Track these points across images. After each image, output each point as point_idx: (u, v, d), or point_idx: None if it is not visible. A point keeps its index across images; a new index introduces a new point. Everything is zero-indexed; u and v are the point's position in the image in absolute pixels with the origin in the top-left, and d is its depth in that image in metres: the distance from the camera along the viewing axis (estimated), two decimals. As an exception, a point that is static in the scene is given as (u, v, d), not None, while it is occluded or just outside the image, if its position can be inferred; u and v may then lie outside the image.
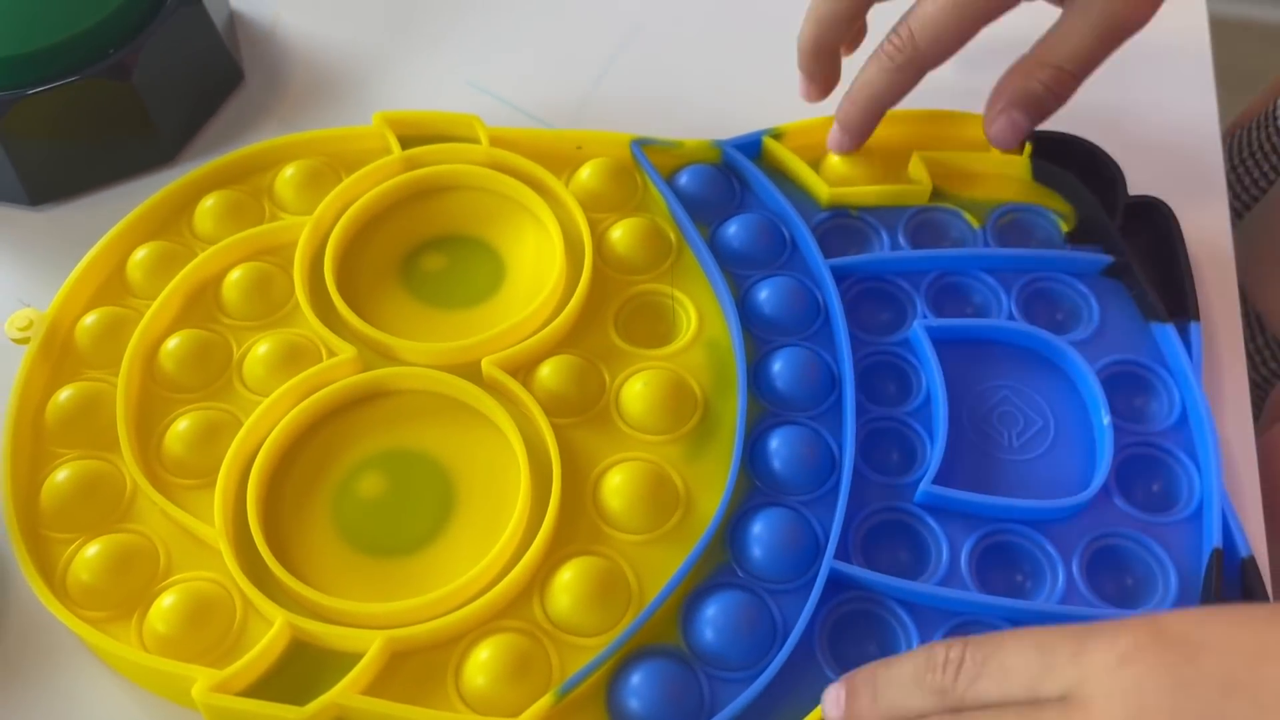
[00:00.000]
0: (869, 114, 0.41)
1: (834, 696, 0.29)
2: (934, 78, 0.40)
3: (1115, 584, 0.35)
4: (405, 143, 0.44)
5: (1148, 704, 0.21)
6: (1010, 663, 0.25)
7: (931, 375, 0.38)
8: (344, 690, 0.32)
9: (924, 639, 0.34)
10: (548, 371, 0.38)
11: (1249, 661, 0.21)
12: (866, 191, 0.43)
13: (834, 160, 0.43)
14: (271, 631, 0.33)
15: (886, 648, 0.34)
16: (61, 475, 0.36)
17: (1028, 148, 0.44)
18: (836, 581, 0.34)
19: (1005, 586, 0.35)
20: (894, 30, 0.39)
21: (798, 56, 0.42)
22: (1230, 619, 0.22)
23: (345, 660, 0.33)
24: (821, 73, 0.42)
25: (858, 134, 0.42)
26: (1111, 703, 0.22)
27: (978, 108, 0.43)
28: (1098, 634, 0.23)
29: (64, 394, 0.38)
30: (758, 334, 0.40)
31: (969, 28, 0.38)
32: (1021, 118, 0.39)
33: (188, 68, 0.46)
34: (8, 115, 0.42)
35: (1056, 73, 0.38)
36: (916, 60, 0.39)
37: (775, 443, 0.37)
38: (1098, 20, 0.37)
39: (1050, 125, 0.44)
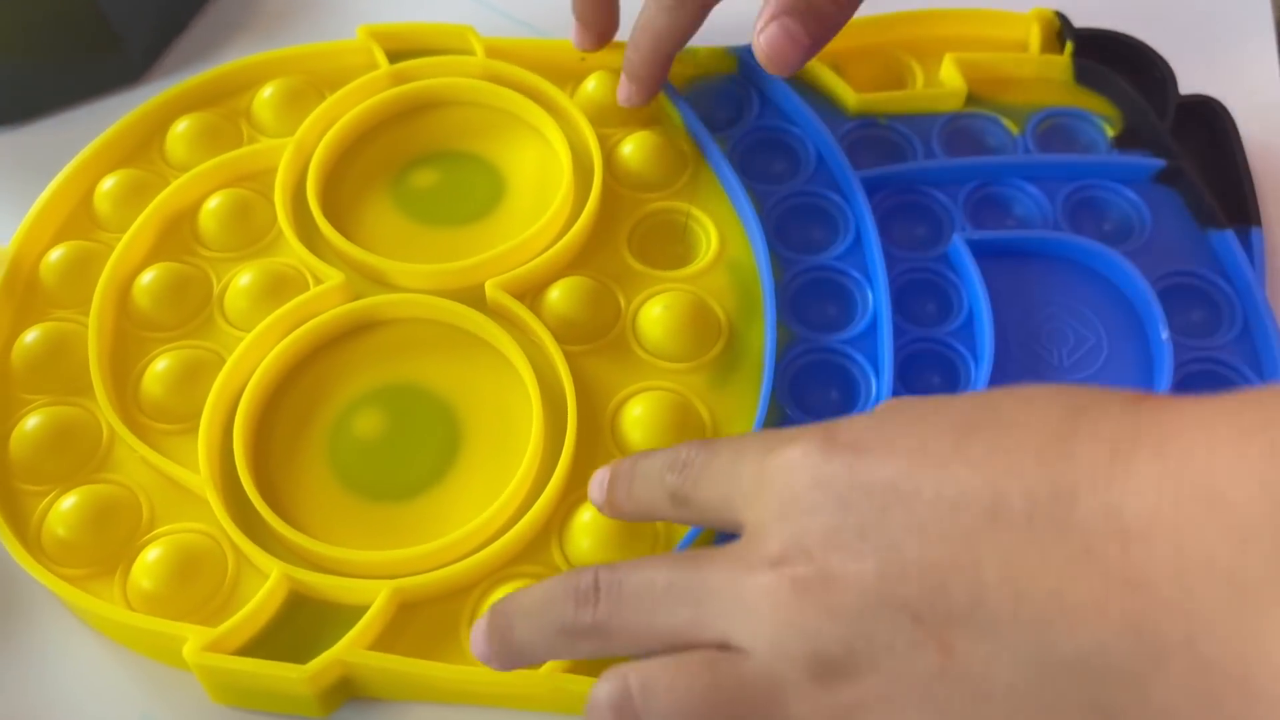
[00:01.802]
0: (655, 59, 0.37)
1: (599, 480, 0.29)
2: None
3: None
4: (393, 57, 0.41)
5: (808, 523, 0.21)
6: (721, 469, 0.25)
7: (974, 292, 0.35)
8: (349, 646, 0.30)
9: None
10: (557, 295, 0.35)
11: (909, 467, 0.20)
12: (896, 97, 0.39)
13: (860, 65, 0.40)
14: (267, 585, 0.31)
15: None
16: (31, 423, 0.33)
17: (1069, 46, 0.40)
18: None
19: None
20: None
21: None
22: (898, 419, 0.22)
23: (349, 614, 0.30)
24: (596, 18, 0.39)
25: (647, 82, 0.38)
26: (776, 525, 0.22)
27: (1013, 4, 0.40)
28: (779, 445, 0.23)
29: (30, 335, 0.35)
30: (784, 254, 0.37)
31: None
32: (797, 27, 0.32)
33: (154, -22, 0.43)
34: (-43, 33, 0.39)
35: None
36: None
37: (807, 370, 0.34)
38: None
39: (1092, 22, 0.41)
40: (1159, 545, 0.17)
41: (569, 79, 0.41)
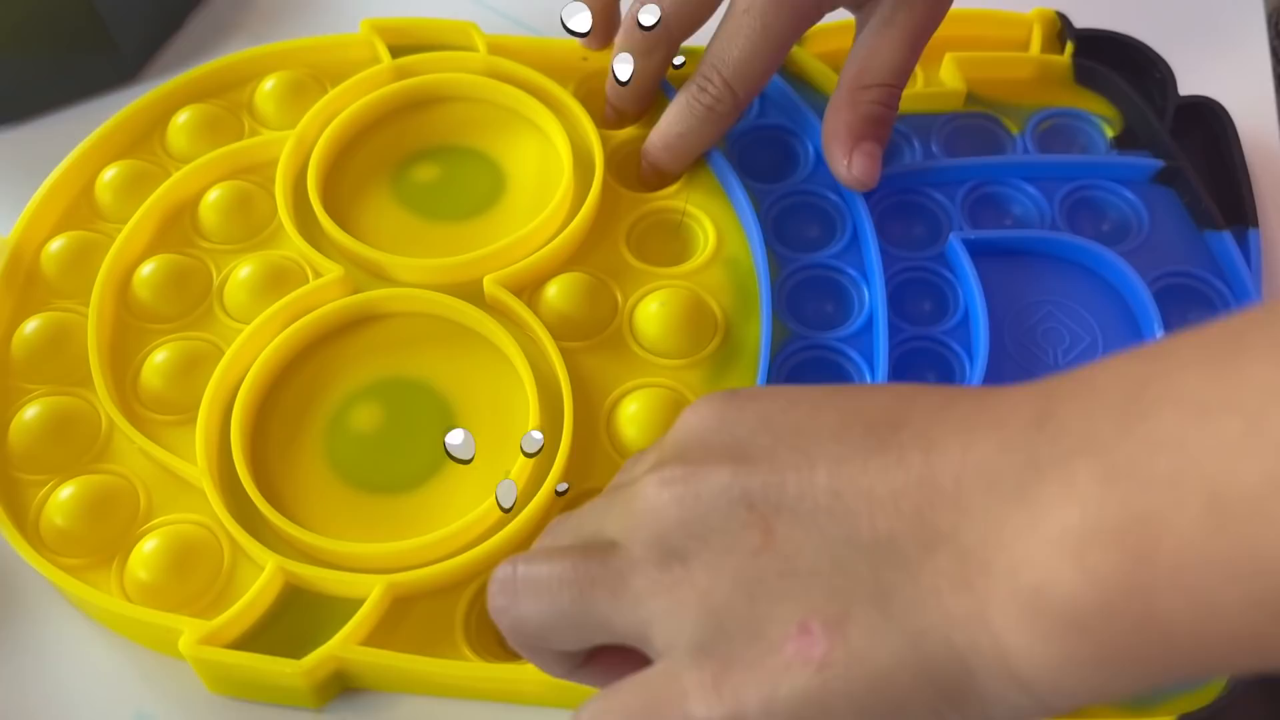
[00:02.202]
0: (686, 161, 0.38)
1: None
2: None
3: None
4: (395, 51, 0.41)
5: (692, 439, 0.24)
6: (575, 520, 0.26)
7: (970, 291, 0.35)
8: (343, 641, 0.30)
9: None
10: (555, 291, 0.35)
11: (784, 406, 0.23)
12: (896, 96, 0.39)
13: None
14: (263, 577, 0.31)
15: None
16: (30, 413, 0.34)
17: (1069, 47, 0.40)
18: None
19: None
20: (701, 74, 0.36)
21: (613, 94, 0.39)
22: (791, 389, 0.25)
23: (344, 607, 0.31)
24: (635, 111, 0.40)
25: (673, 180, 0.39)
26: (668, 447, 0.24)
27: (1014, 4, 0.40)
28: (700, 400, 0.25)
29: (30, 325, 0.35)
30: (781, 251, 0.37)
31: (778, 58, 0.36)
32: (874, 147, 0.36)
33: (149, -23, 0.43)
34: (-44, 28, 0.39)
35: (885, 90, 0.36)
36: (739, 105, 0.37)
37: (802, 367, 0.34)
38: (905, 30, 0.35)
39: (1092, 22, 0.41)
40: (951, 452, 0.21)
41: (570, 77, 0.41)
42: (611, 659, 0.25)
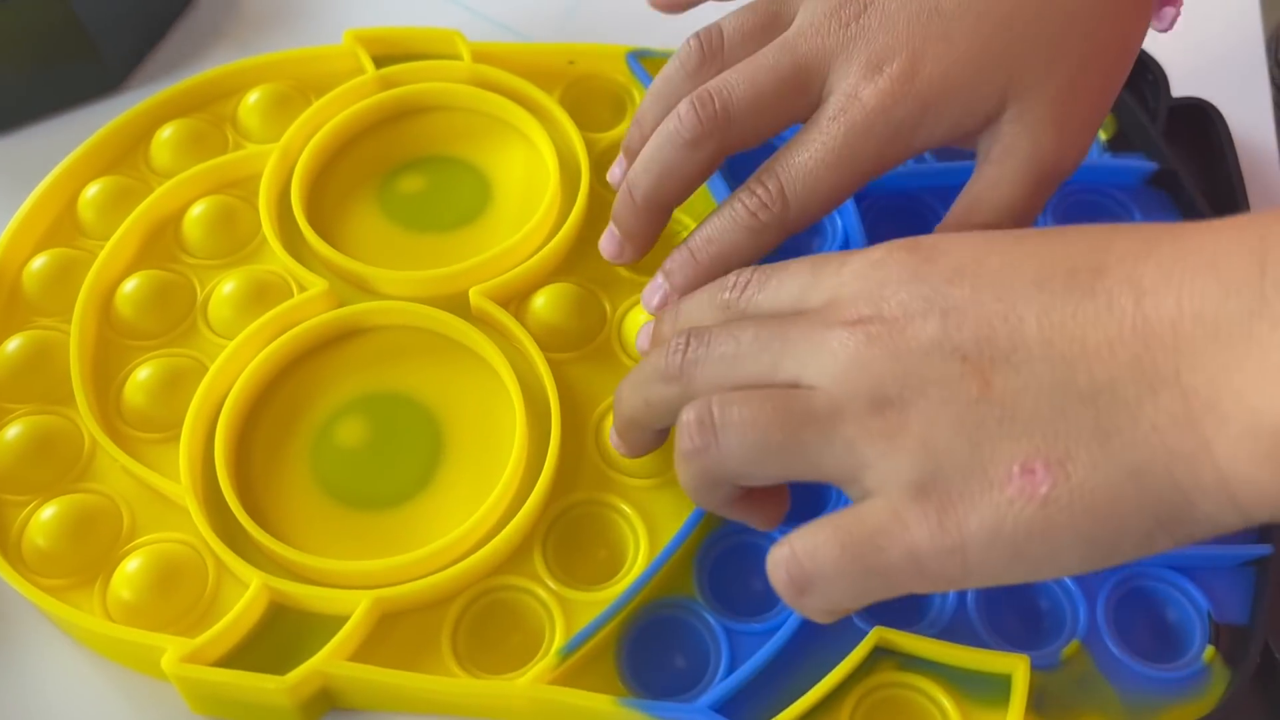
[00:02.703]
0: (711, 275, 0.31)
1: (644, 329, 0.31)
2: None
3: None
4: (379, 61, 0.41)
5: (887, 292, 0.25)
6: (786, 280, 0.27)
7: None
8: (329, 656, 0.29)
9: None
10: (542, 302, 0.35)
11: (976, 256, 0.25)
12: (885, 100, 0.39)
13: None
14: (247, 595, 0.30)
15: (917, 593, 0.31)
16: (12, 432, 0.33)
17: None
18: (865, 523, 0.31)
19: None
20: (757, 179, 0.30)
21: (620, 211, 0.33)
22: (976, 236, 0.26)
23: (329, 624, 0.30)
24: (649, 233, 0.33)
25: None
26: (857, 298, 0.25)
27: None
28: (862, 250, 0.27)
29: (12, 344, 0.35)
30: (770, 258, 0.36)
31: (851, 184, 0.30)
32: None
33: (132, -15, 0.43)
34: (-63, 41, 0.39)
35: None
36: (787, 223, 0.30)
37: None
38: (1022, 169, 0.29)
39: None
40: (1164, 300, 0.22)
41: (556, 83, 0.40)
42: (761, 495, 0.28)
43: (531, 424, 0.33)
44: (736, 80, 0.30)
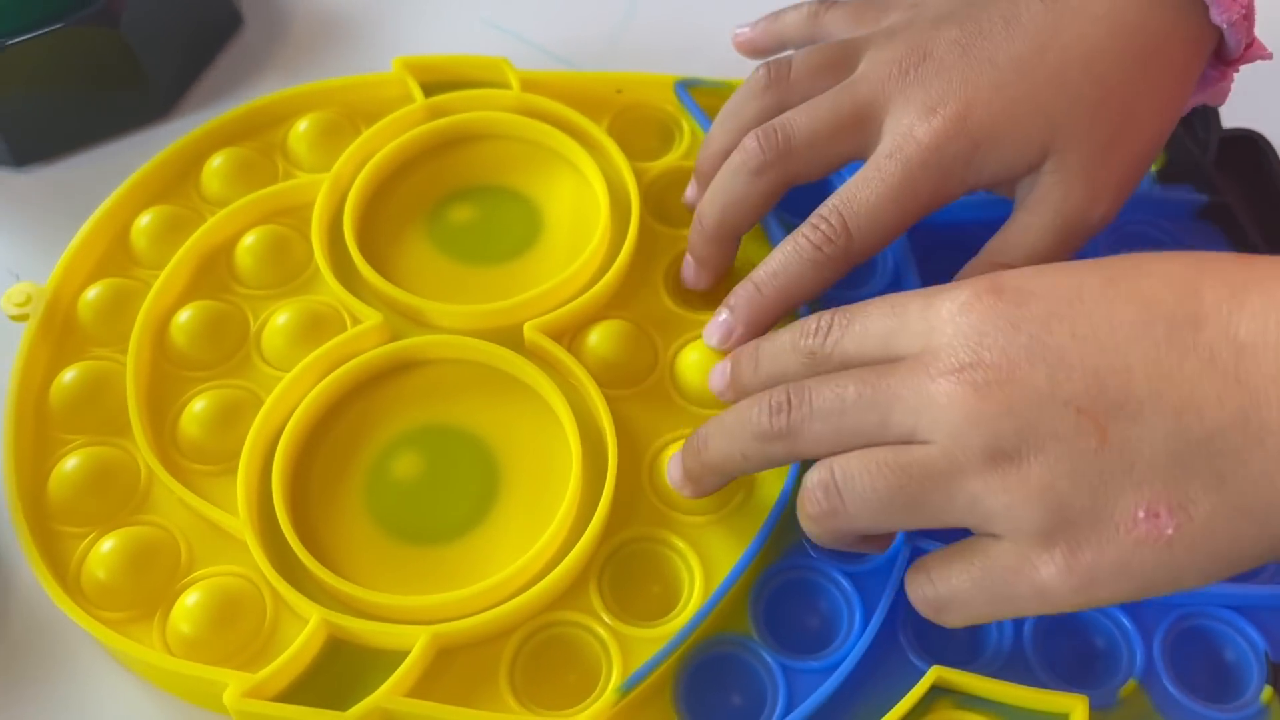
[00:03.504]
0: (779, 311, 0.33)
1: (719, 370, 0.31)
2: None
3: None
4: (428, 90, 0.41)
5: (985, 342, 0.25)
6: (870, 325, 0.28)
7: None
8: (388, 692, 0.29)
9: (1016, 620, 0.31)
10: (597, 338, 0.35)
11: (1068, 300, 0.25)
12: (934, 131, 0.39)
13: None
14: (307, 630, 0.30)
15: (977, 630, 0.31)
16: (70, 464, 0.33)
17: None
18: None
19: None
20: (820, 214, 0.32)
21: (694, 238, 0.35)
22: (1057, 271, 0.26)
23: (388, 659, 0.30)
24: (721, 259, 0.35)
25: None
26: (955, 346, 0.26)
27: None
28: (944, 291, 0.27)
29: (68, 375, 0.35)
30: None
31: (910, 216, 0.32)
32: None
33: (181, 12, 0.43)
34: (-12, 68, 0.40)
35: None
36: (850, 255, 0.32)
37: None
38: (1052, 218, 0.31)
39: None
40: (1264, 355, 0.23)
41: (604, 112, 0.41)
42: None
43: (587, 459, 0.33)
44: (799, 117, 0.33)
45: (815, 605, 0.32)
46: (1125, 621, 0.31)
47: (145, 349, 0.35)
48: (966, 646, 0.31)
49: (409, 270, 0.37)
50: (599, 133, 0.39)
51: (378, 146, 0.39)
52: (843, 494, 0.27)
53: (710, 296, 0.36)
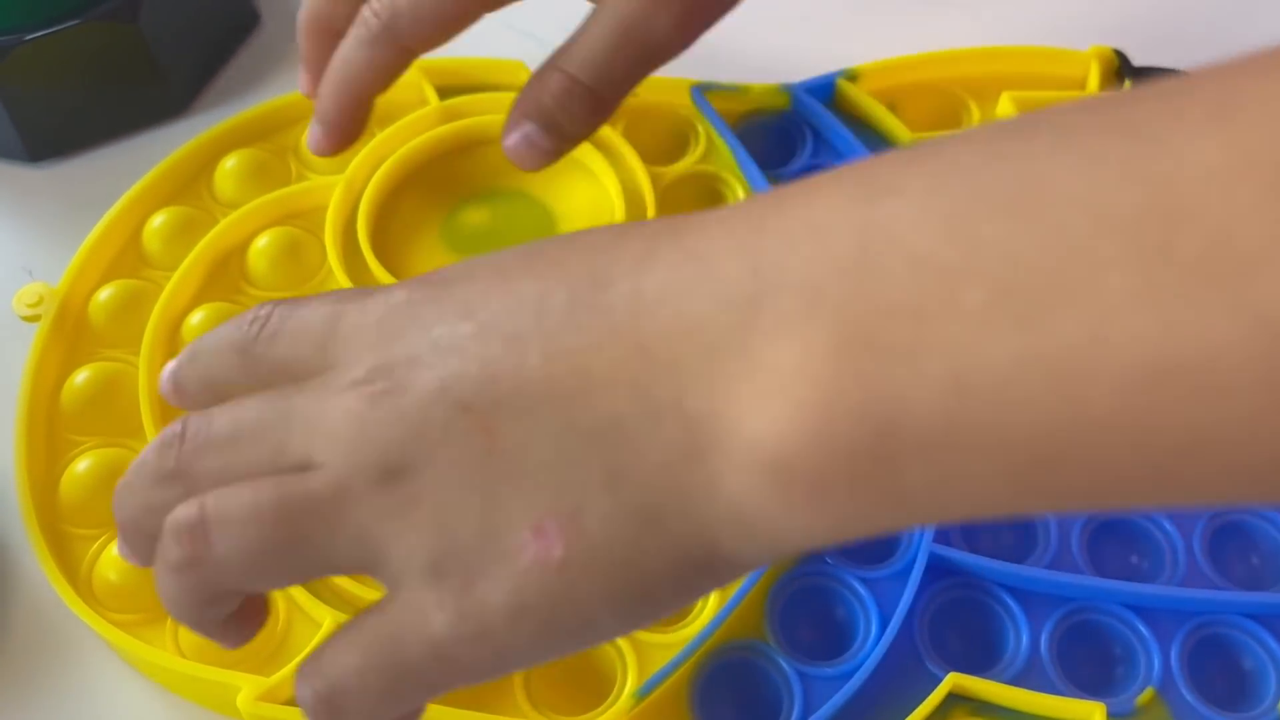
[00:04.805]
0: (348, 101, 0.32)
1: (167, 370, 0.26)
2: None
3: (1243, 563, 0.32)
4: (443, 93, 0.41)
5: (396, 347, 0.21)
6: (308, 322, 0.23)
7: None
8: (402, 697, 0.29)
9: (1033, 627, 0.31)
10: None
11: (486, 283, 0.21)
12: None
13: (916, 102, 0.40)
14: (320, 634, 0.30)
15: (993, 637, 0.31)
16: (82, 465, 0.33)
17: (1128, 85, 0.40)
18: (937, 566, 0.31)
19: (1120, 568, 0.32)
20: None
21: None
22: (503, 256, 0.22)
23: (401, 664, 0.30)
24: (317, 56, 0.33)
25: (338, 130, 0.33)
26: (363, 354, 0.21)
27: (1072, 41, 0.40)
28: (388, 290, 0.23)
29: (81, 376, 0.35)
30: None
31: (457, 11, 0.31)
32: (537, 134, 0.32)
33: (198, 10, 0.43)
34: (4, 63, 0.39)
35: (566, 80, 0.31)
36: (394, 33, 0.31)
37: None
38: (611, 23, 0.30)
39: (1152, 60, 0.40)
40: (663, 312, 0.19)
41: (619, 115, 0.40)
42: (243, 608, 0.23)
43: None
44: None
45: (831, 611, 0.31)
46: (1143, 629, 0.31)
47: (158, 351, 0.35)
48: (983, 653, 0.31)
49: (423, 273, 0.37)
50: (614, 136, 0.39)
51: (392, 149, 0.39)
52: (212, 535, 0.21)
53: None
